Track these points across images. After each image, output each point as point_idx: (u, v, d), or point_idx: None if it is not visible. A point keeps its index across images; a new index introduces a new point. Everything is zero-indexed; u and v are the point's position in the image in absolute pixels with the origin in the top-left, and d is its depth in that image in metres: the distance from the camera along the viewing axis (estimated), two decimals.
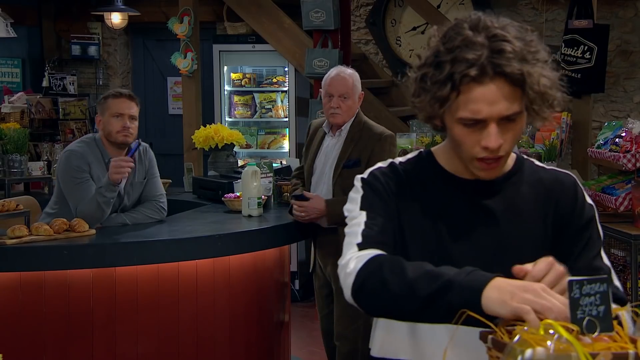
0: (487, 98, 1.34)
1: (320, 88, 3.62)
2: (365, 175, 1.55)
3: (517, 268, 1.27)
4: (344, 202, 1.56)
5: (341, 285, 1.42)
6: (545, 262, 1.25)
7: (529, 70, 1.34)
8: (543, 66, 1.38)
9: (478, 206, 1.48)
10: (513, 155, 1.54)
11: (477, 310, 1.23)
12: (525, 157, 1.57)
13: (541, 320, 1.15)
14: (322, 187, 3.51)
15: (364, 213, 1.49)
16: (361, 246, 1.43)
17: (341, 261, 1.45)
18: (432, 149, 1.58)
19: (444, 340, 1.42)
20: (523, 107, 1.38)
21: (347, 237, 1.49)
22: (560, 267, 1.26)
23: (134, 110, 3.37)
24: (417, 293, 1.29)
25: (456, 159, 1.50)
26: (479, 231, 1.47)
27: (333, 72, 3.52)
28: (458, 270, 1.29)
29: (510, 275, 1.28)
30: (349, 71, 3.51)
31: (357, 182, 1.55)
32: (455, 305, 1.25)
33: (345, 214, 1.53)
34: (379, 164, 1.59)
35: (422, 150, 1.59)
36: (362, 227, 1.46)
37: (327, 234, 3.51)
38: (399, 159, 1.58)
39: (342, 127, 3.49)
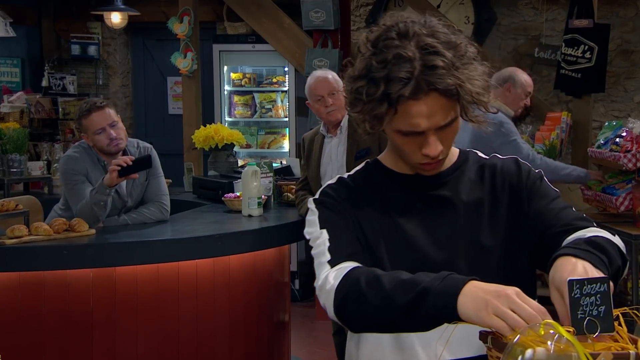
0: (424, 113, 1.36)
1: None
2: (316, 195, 1.57)
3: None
4: None
5: (322, 305, 1.43)
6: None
7: (461, 80, 1.36)
8: (472, 68, 1.39)
9: (430, 197, 1.51)
10: (456, 151, 1.59)
11: (454, 317, 1.24)
12: (469, 149, 1.63)
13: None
14: None
15: (324, 231, 1.49)
16: (332, 263, 1.44)
17: (317, 283, 1.45)
18: (378, 157, 1.61)
19: (431, 342, 1.43)
20: (458, 112, 1.41)
21: (315, 258, 1.49)
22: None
23: (111, 116, 3.31)
24: (395, 304, 1.29)
25: (401, 159, 1.54)
26: (436, 221, 1.50)
27: (312, 78, 3.61)
28: (434, 276, 1.29)
29: (476, 253, 1.43)
30: (328, 73, 3.62)
31: (310, 205, 1.56)
32: (432, 313, 1.26)
33: (307, 237, 1.54)
34: (328, 182, 1.60)
35: (368, 160, 1.63)
36: (327, 244, 1.47)
37: None
38: (346, 174, 1.60)
39: (341, 124, 3.52)
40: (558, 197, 1.55)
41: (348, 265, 1.41)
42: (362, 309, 1.34)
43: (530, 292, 1.30)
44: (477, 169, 1.57)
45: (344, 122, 3.51)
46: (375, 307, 1.31)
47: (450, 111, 1.39)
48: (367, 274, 1.36)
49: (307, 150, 3.70)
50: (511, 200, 1.53)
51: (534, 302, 1.19)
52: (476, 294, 1.22)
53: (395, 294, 1.30)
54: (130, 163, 3.16)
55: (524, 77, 4.31)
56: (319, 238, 1.49)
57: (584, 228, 1.42)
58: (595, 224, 1.46)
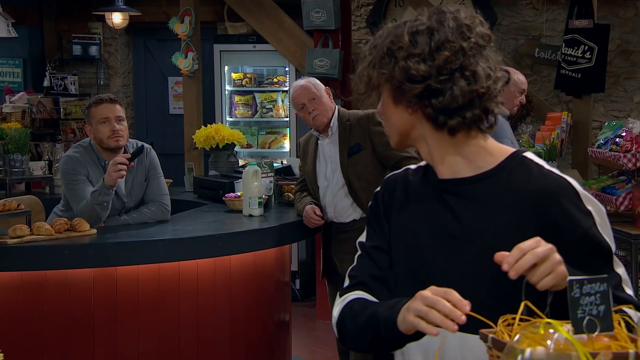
0: None
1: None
2: (375, 192, 1.62)
3: (498, 255, 1.24)
4: None
5: None
6: (533, 240, 1.22)
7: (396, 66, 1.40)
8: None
9: (447, 206, 1.43)
10: (505, 152, 1.44)
11: (398, 333, 1.32)
12: (526, 155, 1.44)
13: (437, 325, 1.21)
14: (335, 180, 3.55)
15: (360, 245, 1.59)
16: (342, 292, 1.55)
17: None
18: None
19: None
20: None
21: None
22: (548, 244, 1.22)
23: (119, 112, 3.37)
24: (366, 338, 1.43)
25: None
26: (447, 233, 1.42)
27: (291, 90, 3.68)
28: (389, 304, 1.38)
29: (477, 270, 1.36)
30: (305, 81, 3.64)
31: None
32: (388, 338, 1.37)
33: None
34: (395, 172, 1.62)
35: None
36: (354, 262, 1.58)
37: (342, 232, 3.56)
38: (412, 166, 1.60)
39: (331, 125, 3.56)
40: (605, 263, 1.35)
41: (349, 298, 1.51)
42: (352, 342, 1.50)
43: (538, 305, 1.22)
44: (515, 187, 1.38)
45: (334, 123, 3.55)
46: (357, 339, 1.47)
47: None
48: (352, 310, 1.47)
49: (303, 152, 3.73)
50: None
51: (453, 295, 1.21)
52: (406, 305, 1.29)
53: (365, 330, 1.43)
54: (129, 157, 3.23)
55: (516, 75, 4.34)
56: (357, 249, 1.61)
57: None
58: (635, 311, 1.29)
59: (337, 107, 3.63)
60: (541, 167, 1.42)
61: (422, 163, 1.55)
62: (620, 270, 1.39)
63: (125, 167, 3.18)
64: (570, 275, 1.21)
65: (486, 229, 1.38)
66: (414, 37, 1.36)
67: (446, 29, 1.35)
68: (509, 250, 1.23)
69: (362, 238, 1.60)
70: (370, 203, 1.62)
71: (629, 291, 1.38)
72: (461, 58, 1.34)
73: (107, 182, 3.17)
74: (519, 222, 1.36)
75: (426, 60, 1.34)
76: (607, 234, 1.39)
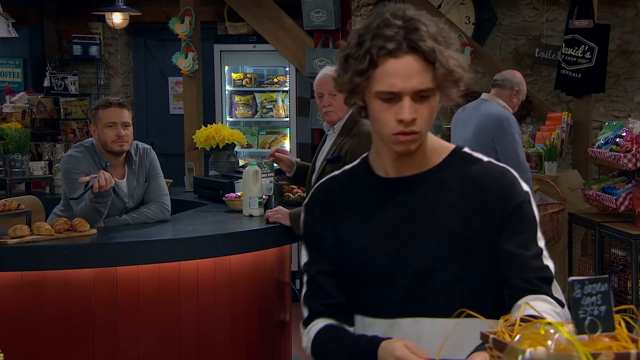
0: (402, 72, 1.43)
1: None
2: (305, 202, 1.69)
3: None
4: None
5: None
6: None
7: (440, 48, 1.45)
8: (453, 50, 1.48)
9: (397, 202, 1.55)
10: (447, 149, 1.59)
11: None
12: (464, 150, 1.60)
13: None
14: (316, 177, 3.53)
15: (305, 270, 1.65)
16: (305, 323, 1.63)
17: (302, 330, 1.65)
18: (369, 153, 1.65)
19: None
20: (434, 84, 1.45)
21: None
22: None
23: (126, 117, 3.36)
24: None
25: (380, 157, 1.58)
26: (397, 227, 1.53)
27: (320, 73, 3.55)
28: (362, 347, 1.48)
29: (428, 270, 1.49)
30: (333, 69, 3.52)
31: (302, 215, 1.69)
32: None
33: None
34: (320, 181, 1.70)
35: (367, 154, 1.67)
36: (305, 289, 1.64)
37: None
38: (346, 167, 1.68)
39: (336, 126, 3.51)
40: (533, 234, 1.52)
41: (314, 329, 1.60)
42: None
43: (491, 299, 1.48)
44: (460, 178, 1.55)
45: (339, 124, 3.49)
46: None
47: (427, 79, 1.44)
48: (326, 349, 1.57)
49: (320, 140, 3.71)
50: (484, 219, 1.51)
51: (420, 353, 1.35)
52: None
53: None
54: (112, 184, 3.13)
55: (525, 86, 4.42)
56: (303, 274, 1.66)
57: (537, 293, 1.45)
58: (551, 286, 1.49)
59: (353, 111, 3.53)
60: (481, 158, 1.59)
61: (348, 167, 1.68)
62: (542, 243, 1.54)
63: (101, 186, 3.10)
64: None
65: (442, 214, 1.52)
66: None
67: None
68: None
69: (304, 260, 1.65)
70: (302, 218, 1.66)
71: (550, 264, 1.52)
72: None
73: (93, 189, 3.13)
74: (472, 207, 1.52)
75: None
76: (535, 211, 1.56)
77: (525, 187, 1.55)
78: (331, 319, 1.59)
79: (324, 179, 1.69)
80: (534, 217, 1.53)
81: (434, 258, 1.50)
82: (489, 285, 1.50)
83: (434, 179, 1.54)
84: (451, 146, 1.60)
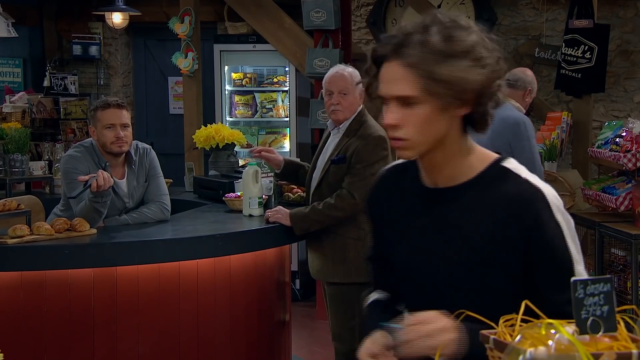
0: (387, 77, 1.45)
1: (322, 88, 3.63)
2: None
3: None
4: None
5: None
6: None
7: (429, 57, 1.39)
8: (464, 60, 1.41)
9: (430, 213, 1.53)
10: (486, 161, 1.54)
11: None
12: (503, 164, 1.54)
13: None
14: (313, 182, 3.53)
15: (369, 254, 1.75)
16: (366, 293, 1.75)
17: None
18: None
19: None
20: (422, 93, 1.41)
21: None
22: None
23: (125, 118, 3.35)
24: None
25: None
26: (424, 237, 1.53)
27: (333, 70, 3.53)
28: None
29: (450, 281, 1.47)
30: (349, 69, 3.51)
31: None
32: None
33: None
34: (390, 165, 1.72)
35: None
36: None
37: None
38: (400, 161, 1.66)
39: (341, 126, 3.49)
40: (566, 271, 1.42)
41: (368, 300, 1.71)
42: None
43: (508, 306, 1.31)
44: (490, 196, 1.48)
45: (345, 124, 3.48)
46: None
47: (411, 86, 1.41)
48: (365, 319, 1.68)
49: (322, 137, 3.70)
50: (505, 245, 1.44)
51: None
52: None
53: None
54: (110, 183, 3.13)
55: (536, 83, 4.40)
56: None
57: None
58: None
59: (360, 112, 3.47)
60: (518, 175, 1.51)
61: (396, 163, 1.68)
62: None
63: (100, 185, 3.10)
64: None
65: (470, 232, 1.48)
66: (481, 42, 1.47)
67: (474, 29, 1.51)
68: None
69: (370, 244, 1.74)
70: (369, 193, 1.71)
71: None
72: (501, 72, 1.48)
73: (92, 189, 3.13)
74: (496, 226, 1.45)
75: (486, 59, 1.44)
76: (573, 245, 1.45)
77: (559, 216, 1.44)
78: (383, 293, 1.68)
79: (390, 165, 1.70)
80: (564, 253, 1.43)
81: (452, 274, 1.48)
82: (503, 311, 1.30)
83: (464, 194, 1.50)
84: (492, 158, 1.54)
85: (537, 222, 1.43)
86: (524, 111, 4.29)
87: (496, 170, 1.52)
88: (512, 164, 1.54)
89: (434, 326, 1.35)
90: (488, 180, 1.50)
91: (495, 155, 1.55)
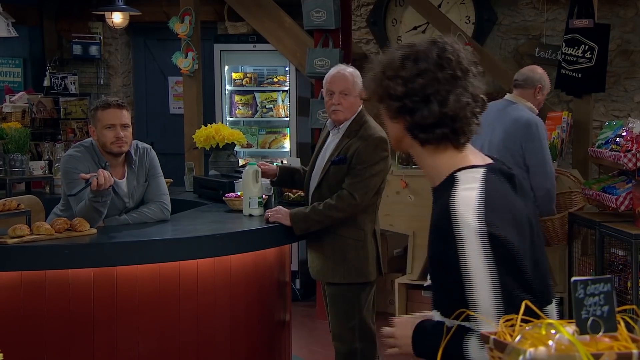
0: None
1: (322, 87, 3.63)
2: None
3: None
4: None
5: None
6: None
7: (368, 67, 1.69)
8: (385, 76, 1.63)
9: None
10: (451, 169, 1.62)
11: None
12: (457, 175, 1.61)
13: None
14: (312, 183, 3.52)
15: None
16: None
17: None
18: None
19: None
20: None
21: None
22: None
23: (125, 118, 3.35)
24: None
25: None
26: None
27: (334, 70, 3.53)
28: None
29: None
30: (350, 69, 3.51)
31: None
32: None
33: None
34: None
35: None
36: None
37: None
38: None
39: (341, 126, 3.48)
40: (457, 290, 1.50)
41: None
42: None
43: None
44: (437, 205, 1.63)
45: (345, 124, 3.47)
46: None
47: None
48: None
49: (321, 137, 3.69)
50: (437, 252, 1.61)
51: None
52: None
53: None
54: (110, 183, 3.13)
55: (548, 80, 4.38)
56: None
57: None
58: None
59: (359, 112, 3.46)
60: (455, 187, 1.59)
61: None
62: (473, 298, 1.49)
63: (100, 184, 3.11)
64: None
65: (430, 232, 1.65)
66: (403, 62, 1.60)
67: (430, 60, 1.58)
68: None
69: None
70: None
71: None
72: (435, 85, 1.57)
73: (92, 188, 3.13)
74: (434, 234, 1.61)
75: (406, 84, 1.59)
76: (473, 265, 1.49)
77: (461, 232, 1.50)
78: None
79: None
80: (465, 270, 1.48)
81: (431, 272, 1.66)
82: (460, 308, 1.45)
83: (435, 198, 1.66)
84: (460, 165, 1.62)
85: (446, 235, 1.53)
86: (537, 110, 4.28)
87: (449, 179, 1.61)
88: (464, 174, 1.60)
89: (396, 333, 1.70)
90: (442, 188, 1.61)
91: (467, 163, 1.62)
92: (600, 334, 1.11)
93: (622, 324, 1.16)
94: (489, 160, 1.65)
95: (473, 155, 1.65)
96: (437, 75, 1.57)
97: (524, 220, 1.56)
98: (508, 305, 1.40)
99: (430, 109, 1.57)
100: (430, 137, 1.60)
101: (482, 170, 1.59)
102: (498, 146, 4.11)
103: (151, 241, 3.05)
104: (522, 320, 1.18)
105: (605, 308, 1.11)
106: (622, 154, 4.05)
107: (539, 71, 4.34)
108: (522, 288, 1.45)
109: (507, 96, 4.33)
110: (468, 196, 1.52)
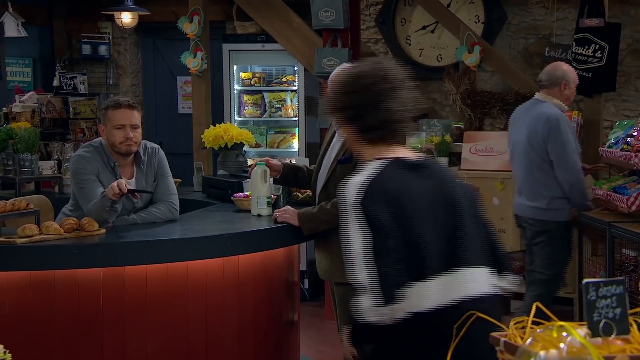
0: None
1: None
2: None
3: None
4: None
5: None
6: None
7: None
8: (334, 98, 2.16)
9: None
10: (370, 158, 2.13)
11: None
12: (363, 165, 2.11)
13: None
14: (319, 182, 3.51)
15: None
16: None
17: None
18: None
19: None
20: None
21: None
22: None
23: (135, 118, 3.36)
24: None
25: None
26: None
27: (339, 68, 3.54)
28: None
29: None
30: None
31: None
32: None
33: None
34: None
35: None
36: None
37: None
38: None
39: None
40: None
41: None
42: None
43: None
44: None
45: None
46: None
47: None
48: None
49: (327, 137, 3.68)
50: None
51: None
52: None
53: None
54: (125, 191, 3.15)
55: (573, 72, 4.41)
56: None
57: None
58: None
59: None
60: (356, 172, 2.07)
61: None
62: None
63: (121, 195, 3.15)
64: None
65: None
66: (354, 81, 2.06)
67: (368, 78, 2.03)
68: None
69: None
70: None
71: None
72: (373, 97, 2.01)
73: (108, 195, 3.16)
74: None
75: (350, 97, 2.05)
76: (348, 229, 1.98)
77: (347, 207, 1.97)
78: None
79: None
80: (345, 236, 1.96)
81: None
82: None
83: None
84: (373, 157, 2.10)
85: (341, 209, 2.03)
86: (566, 107, 4.33)
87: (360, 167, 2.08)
88: (368, 164, 2.05)
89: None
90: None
91: (384, 156, 2.05)
92: (613, 336, 1.09)
93: (635, 326, 1.15)
94: (410, 156, 2.07)
95: (400, 150, 2.07)
96: (374, 89, 2.00)
97: (419, 200, 1.96)
98: (375, 263, 1.88)
99: (371, 115, 2.02)
100: (372, 137, 2.05)
101: (385, 161, 2.02)
102: (523, 143, 4.23)
103: (160, 241, 3.05)
104: (533, 322, 1.17)
105: (618, 310, 1.10)
106: (633, 154, 4.02)
107: (562, 68, 4.37)
108: (386, 251, 1.89)
109: (536, 95, 4.40)
110: (357, 180, 1.98)
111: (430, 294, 1.86)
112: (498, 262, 2.02)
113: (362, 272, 1.90)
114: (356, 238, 1.91)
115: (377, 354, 1.97)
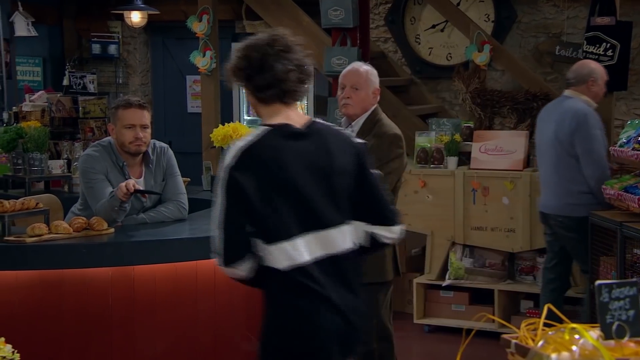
0: None
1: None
2: None
3: None
4: None
5: None
6: None
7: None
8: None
9: None
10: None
11: None
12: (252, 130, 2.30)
13: None
14: None
15: None
16: None
17: None
18: None
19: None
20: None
21: None
22: None
23: (146, 119, 3.36)
24: None
25: None
26: None
27: (349, 66, 3.54)
28: None
29: None
30: (366, 67, 3.50)
31: None
32: None
33: None
34: None
35: None
36: None
37: None
38: None
39: (354, 123, 3.47)
40: None
41: None
42: None
43: None
44: None
45: (358, 122, 3.44)
46: None
47: None
48: None
49: None
50: None
51: None
52: None
53: None
54: (132, 190, 3.18)
55: (601, 69, 4.42)
56: None
57: None
58: None
59: (373, 110, 3.44)
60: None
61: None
62: None
63: (130, 195, 3.19)
64: None
65: None
66: (247, 47, 2.26)
67: (263, 41, 2.25)
68: None
69: None
70: None
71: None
72: (263, 59, 2.21)
73: (118, 196, 3.17)
74: None
75: (245, 58, 2.24)
76: (217, 190, 2.19)
77: (222, 169, 2.12)
78: None
79: None
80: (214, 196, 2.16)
81: None
82: None
83: None
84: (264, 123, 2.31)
85: None
86: (594, 103, 4.33)
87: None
88: (255, 129, 2.23)
89: None
90: None
91: (274, 122, 2.22)
92: (626, 338, 1.08)
93: None
94: (298, 122, 2.24)
95: (290, 115, 2.25)
96: (261, 50, 2.20)
97: (290, 168, 2.12)
98: (224, 226, 2.10)
99: (258, 75, 2.19)
100: (264, 96, 2.21)
101: (267, 128, 2.19)
102: (551, 138, 4.25)
103: (168, 240, 3.05)
104: (544, 324, 1.15)
105: (631, 312, 1.08)
106: None
107: (589, 65, 4.39)
108: (236, 217, 2.10)
109: (565, 92, 4.41)
110: (237, 144, 2.14)
111: (291, 252, 2.10)
112: (381, 217, 2.29)
113: (214, 232, 2.12)
114: (218, 200, 2.10)
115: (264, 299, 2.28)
